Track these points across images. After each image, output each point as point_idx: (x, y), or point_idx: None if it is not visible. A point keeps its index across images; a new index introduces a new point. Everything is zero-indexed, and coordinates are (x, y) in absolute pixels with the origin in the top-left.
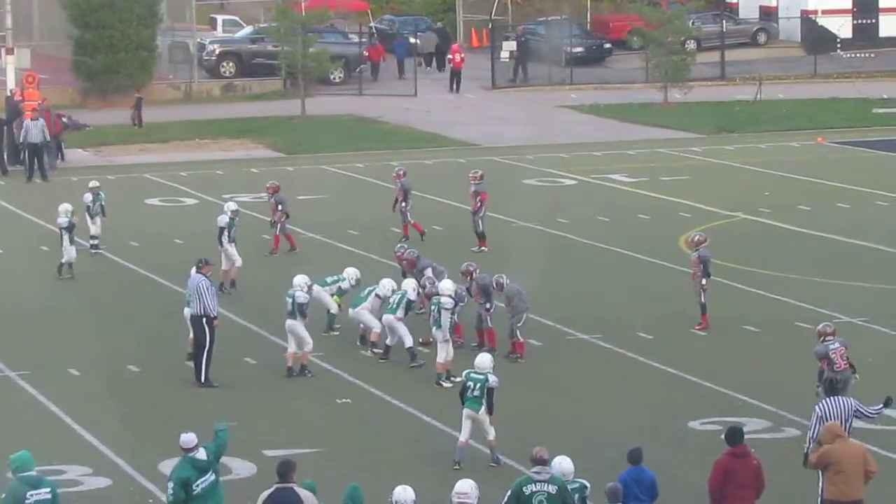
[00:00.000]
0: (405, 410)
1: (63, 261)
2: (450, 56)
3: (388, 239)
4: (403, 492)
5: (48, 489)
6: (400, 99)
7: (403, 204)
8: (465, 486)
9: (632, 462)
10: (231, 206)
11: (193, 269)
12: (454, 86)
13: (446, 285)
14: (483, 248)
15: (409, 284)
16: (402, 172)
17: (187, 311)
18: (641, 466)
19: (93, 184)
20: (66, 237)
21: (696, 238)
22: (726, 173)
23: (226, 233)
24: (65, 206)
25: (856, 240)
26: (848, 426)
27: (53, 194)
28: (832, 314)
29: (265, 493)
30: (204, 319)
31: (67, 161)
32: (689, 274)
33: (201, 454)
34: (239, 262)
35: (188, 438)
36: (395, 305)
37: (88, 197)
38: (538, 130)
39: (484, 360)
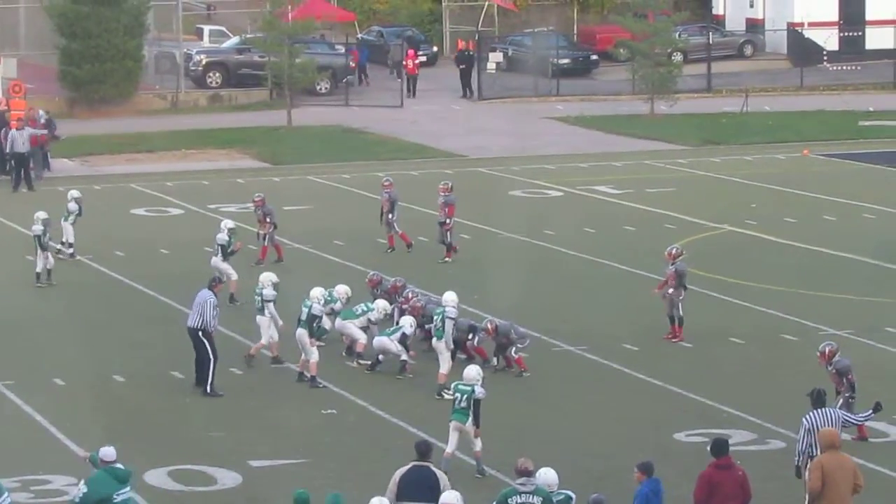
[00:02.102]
0: (390, 421)
1: (39, 270)
2: (404, 62)
3: (376, 249)
4: (379, 503)
5: (5, 495)
6: (386, 110)
7: (390, 215)
8: (451, 497)
9: (648, 474)
10: (228, 223)
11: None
12: (410, 91)
13: (450, 296)
14: (448, 258)
15: (408, 321)
16: (389, 182)
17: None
18: (657, 478)
19: (77, 193)
20: (38, 246)
21: (673, 251)
22: (712, 185)
23: (225, 250)
24: (40, 214)
25: (842, 252)
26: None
27: (39, 204)
28: (817, 326)
29: (402, 470)
30: (200, 332)
31: (53, 171)
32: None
33: (120, 465)
34: (235, 276)
35: (108, 451)
36: (390, 332)
37: (74, 206)
38: (524, 142)
39: (471, 371)
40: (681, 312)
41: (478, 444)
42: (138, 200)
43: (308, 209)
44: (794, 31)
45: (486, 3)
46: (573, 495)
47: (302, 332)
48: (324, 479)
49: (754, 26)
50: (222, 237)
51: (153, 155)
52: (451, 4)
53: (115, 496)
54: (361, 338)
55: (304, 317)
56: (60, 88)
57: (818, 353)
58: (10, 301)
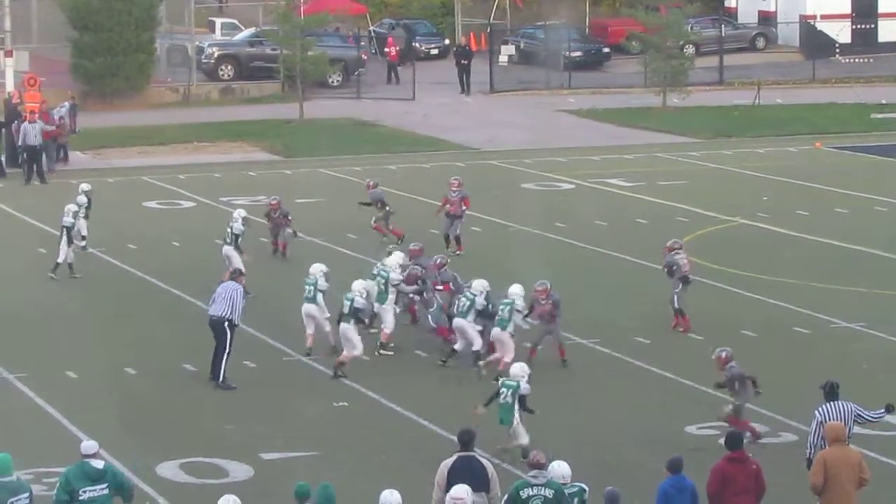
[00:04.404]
0: (402, 414)
1: (60, 260)
2: (386, 49)
3: (388, 242)
4: (390, 496)
5: (26, 494)
6: (398, 103)
7: (379, 214)
8: (461, 490)
9: (674, 471)
10: (241, 212)
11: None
12: (393, 78)
13: (517, 289)
14: (459, 251)
15: (481, 285)
16: (373, 183)
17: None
18: (682, 475)
19: (87, 187)
20: (65, 238)
21: (668, 244)
22: (724, 178)
23: (238, 239)
24: (71, 207)
25: (854, 245)
26: (848, 431)
27: (51, 197)
28: (829, 319)
29: (448, 461)
30: (226, 323)
31: (67, 163)
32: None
33: (97, 463)
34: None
35: (88, 445)
36: (464, 312)
37: (84, 199)
38: (536, 134)
39: (516, 368)
40: (675, 304)
41: (522, 439)
42: (150, 193)
43: (320, 202)
44: (806, 24)
45: None
46: (586, 487)
47: (346, 327)
48: (335, 471)
49: (767, 19)
50: (238, 226)
51: (165, 148)
52: None
53: (80, 493)
54: (388, 327)
55: (346, 310)
56: (73, 81)
57: (714, 358)
58: (22, 294)
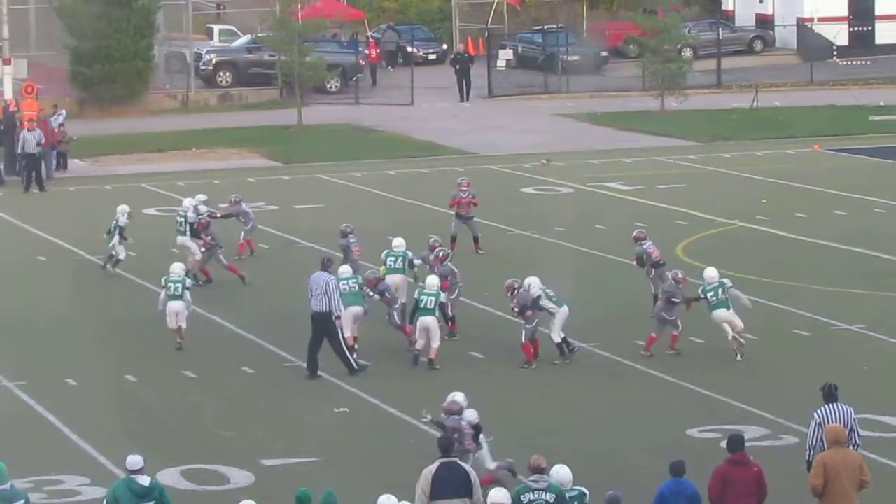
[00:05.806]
0: (403, 419)
1: (122, 257)
2: (367, 51)
3: (387, 247)
4: (388, 501)
5: (22, 501)
6: (396, 108)
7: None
8: (500, 495)
9: (673, 474)
10: (191, 200)
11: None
12: (373, 82)
13: (533, 278)
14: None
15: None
16: (235, 199)
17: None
18: (682, 479)
19: (196, 201)
20: (117, 236)
21: (636, 234)
22: (723, 181)
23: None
24: (124, 208)
25: (853, 247)
26: (849, 434)
27: (50, 205)
28: (829, 321)
29: (432, 468)
30: (332, 316)
31: (66, 171)
32: (690, 281)
33: (143, 480)
34: (199, 256)
35: (133, 461)
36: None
37: (192, 215)
38: (535, 139)
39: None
40: (653, 291)
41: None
42: (149, 200)
43: (319, 207)
44: (803, 27)
45: (496, 1)
46: (587, 491)
47: (430, 320)
48: (336, 477)
49: (764, 22)
50: (191, 215)
51: (164, 154)
52: (460, 2)
53: None
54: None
55: (430, 305)
56: (71, 89)
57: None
58: (21, 301)
